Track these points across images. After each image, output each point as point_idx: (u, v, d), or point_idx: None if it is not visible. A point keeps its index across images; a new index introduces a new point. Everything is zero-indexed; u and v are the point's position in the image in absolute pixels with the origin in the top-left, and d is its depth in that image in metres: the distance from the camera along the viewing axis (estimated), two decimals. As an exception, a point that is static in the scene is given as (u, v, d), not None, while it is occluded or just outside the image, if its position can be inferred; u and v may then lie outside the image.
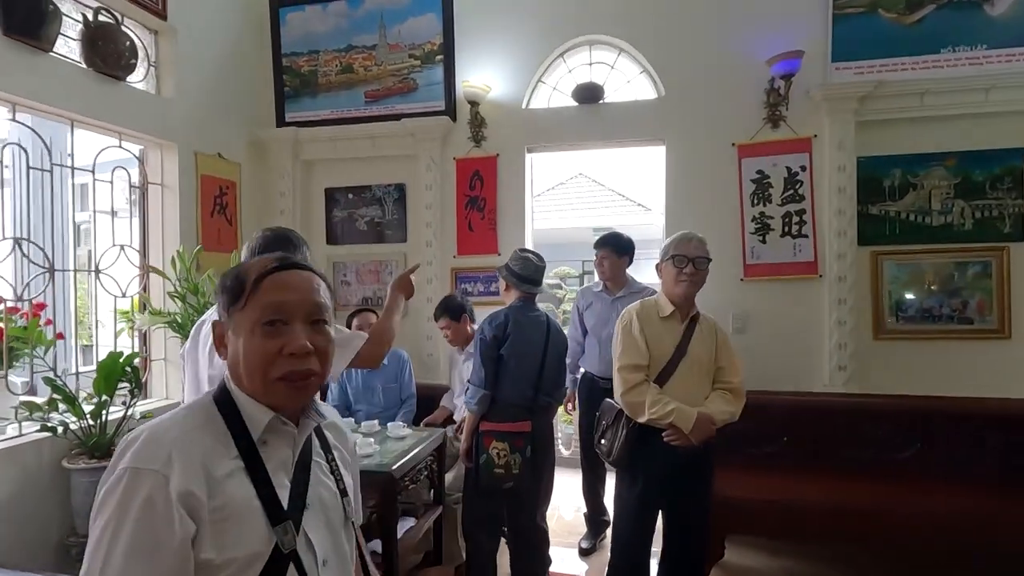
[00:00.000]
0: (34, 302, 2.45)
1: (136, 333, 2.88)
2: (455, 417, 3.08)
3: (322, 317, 0.84)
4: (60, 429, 2.27)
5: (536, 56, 3.52)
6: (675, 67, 3.33)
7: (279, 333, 0.80)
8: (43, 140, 2.53)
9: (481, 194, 3.58)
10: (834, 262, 3.11)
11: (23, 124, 2.53)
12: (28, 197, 2.45)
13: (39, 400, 2.32)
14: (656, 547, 2.18)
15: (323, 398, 3.04)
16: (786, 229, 3.19)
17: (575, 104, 3.47)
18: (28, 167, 2.46)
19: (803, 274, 3.17)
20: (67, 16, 2.58)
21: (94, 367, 2.44)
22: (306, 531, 0.81)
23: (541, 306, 2.58)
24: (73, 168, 2.70)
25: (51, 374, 2.33)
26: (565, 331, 2.70)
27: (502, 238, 3.56)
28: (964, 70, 2.97)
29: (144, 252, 3.07)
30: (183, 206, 3.11)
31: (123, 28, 2.78)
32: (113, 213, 2.86)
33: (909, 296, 3.13)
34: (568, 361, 2.71)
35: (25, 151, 2.49)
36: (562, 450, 4.63)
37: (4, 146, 2.41)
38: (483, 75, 3.50)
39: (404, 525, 2.32)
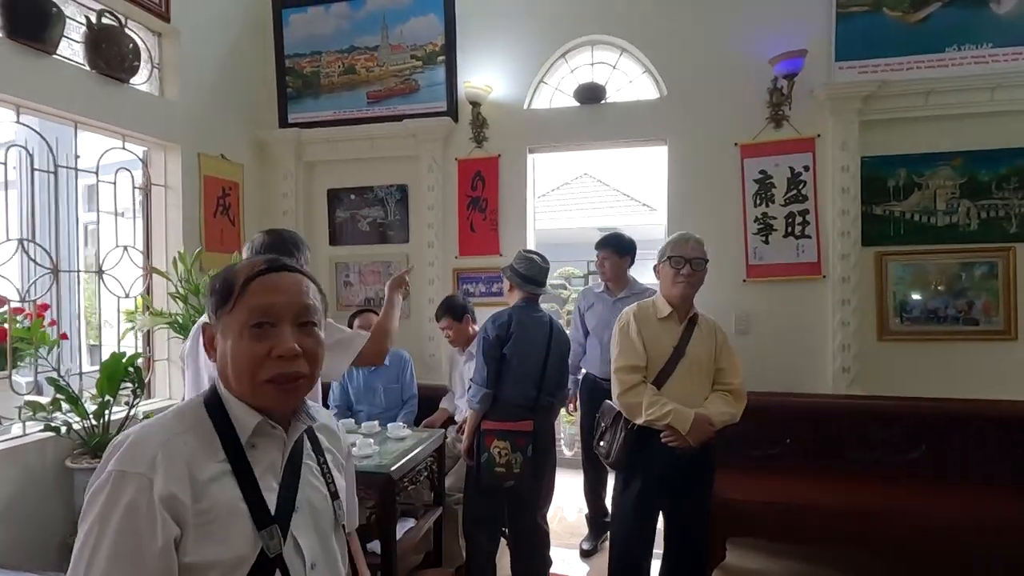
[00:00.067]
0: (38, 303, 2.47)
1: (139, 334, 2.90)
2: (456, 418, 3.08)
3: (311, 319, 0.84)
4: (63, 429, 2.29)
5: (538, 56, 3.51)
6: (677, 67, 3.31)
7: (267, 335, 0.80)
8: (47, 142, 2.55)
9: (483, 195, 3.58)
10: (838, 263, 3.08)
11: (28, 126, 2.55)
12: (33, 198, 2.47)
13: (43, 400, 2.34)
14: (657, 548, 2.17)
15: (324, 398, 3.05)
16: (789, 230, 3.17)
17: (577, 104, 3.46)
18: (33, 169, 2.48)
19: (806, 275, 3.14)
20: (71, 19, 2.60)
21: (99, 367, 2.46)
22: (294, 534, 0.80)
23: (544, 307, 2.59)
24: (77, 170, 2.72)
25: (55, 374, 2.35)
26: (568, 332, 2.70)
27: (504, 239, 3.55)
28: (969, 69, 2.94)
29: (147, 253, 3.09)
30: (186, 207, 3.13)
31: (126, 30, 2.79)
32: (118, 214, 2.88)
33: (914, 297, 3.09)
34: (569, 362, 2.72)
35: (30, 153, 2.51)
36: (565, 451, 4.64)
37: (9, 148, 2.43)
38: (485, 75, 3.50)
39: (404, 526, 2.33)
